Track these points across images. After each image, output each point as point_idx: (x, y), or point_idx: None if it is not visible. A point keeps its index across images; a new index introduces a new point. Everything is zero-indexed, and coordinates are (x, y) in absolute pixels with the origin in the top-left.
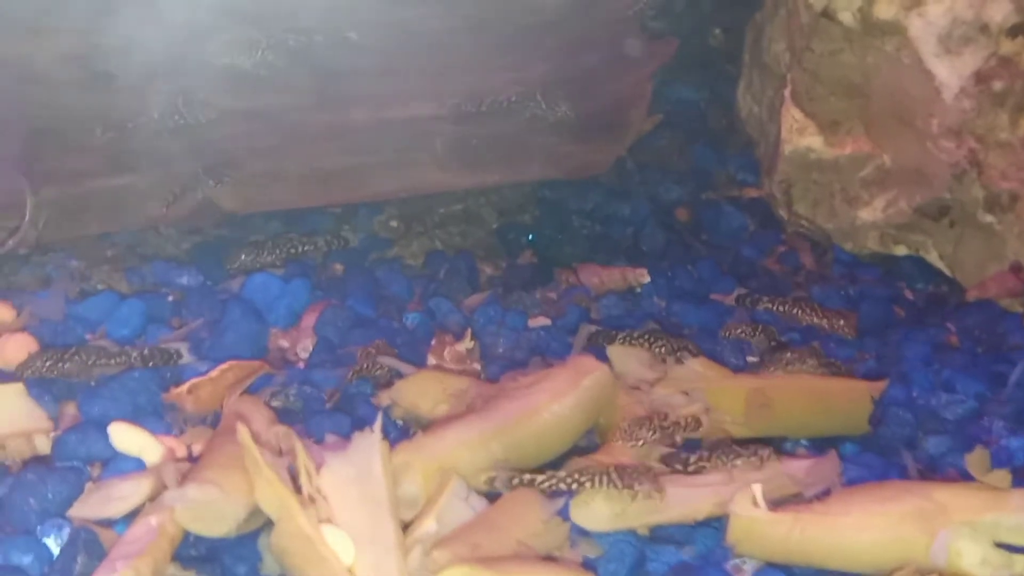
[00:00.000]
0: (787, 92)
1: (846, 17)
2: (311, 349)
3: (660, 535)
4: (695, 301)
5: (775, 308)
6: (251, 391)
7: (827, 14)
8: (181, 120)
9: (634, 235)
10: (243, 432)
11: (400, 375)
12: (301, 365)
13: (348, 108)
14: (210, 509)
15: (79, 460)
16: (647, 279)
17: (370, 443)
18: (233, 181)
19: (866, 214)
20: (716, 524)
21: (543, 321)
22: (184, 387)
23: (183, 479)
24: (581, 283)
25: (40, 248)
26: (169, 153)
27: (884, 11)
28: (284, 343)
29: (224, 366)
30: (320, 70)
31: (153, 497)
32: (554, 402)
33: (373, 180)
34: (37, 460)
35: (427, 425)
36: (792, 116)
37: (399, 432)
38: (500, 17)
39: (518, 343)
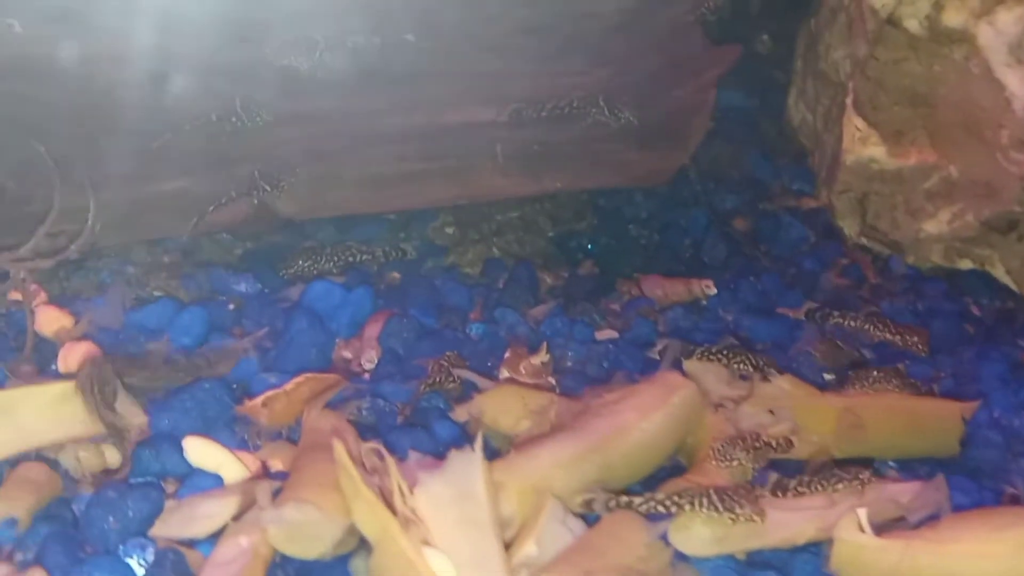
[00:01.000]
0: (849, 101)
1: (912, 25)
2: (376, 361)
3: (757, 560)
4: (762, 315)
5: (846, 323)
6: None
7: (893, 21)
8: (239, 123)
9: (694, 246)
10: (339, 449)
11: (474, 388)
12: (366, 377)
13: (406, 112)
14: (306, 529)
15: (153, 475)
16: (714, 291)
17: (470, 462)
18: (290, 186)
19: (930, 226)
20: (814, 549)
21: (610, 334)
22: (259, 400)
23: (277, 498)
24: (644, 294)
25: (94, 253)
26: (226, 156)
27: (952, 19)
28: (347, 354)
29: (299, 379)
30: (377, 73)
31: (238, 516)
32: (643, 420)
33: (432, 186)
34: (107, 474)
35: (516, 443)
36: (854, 125)
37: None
38: (559, 20)
39: (588, 356)
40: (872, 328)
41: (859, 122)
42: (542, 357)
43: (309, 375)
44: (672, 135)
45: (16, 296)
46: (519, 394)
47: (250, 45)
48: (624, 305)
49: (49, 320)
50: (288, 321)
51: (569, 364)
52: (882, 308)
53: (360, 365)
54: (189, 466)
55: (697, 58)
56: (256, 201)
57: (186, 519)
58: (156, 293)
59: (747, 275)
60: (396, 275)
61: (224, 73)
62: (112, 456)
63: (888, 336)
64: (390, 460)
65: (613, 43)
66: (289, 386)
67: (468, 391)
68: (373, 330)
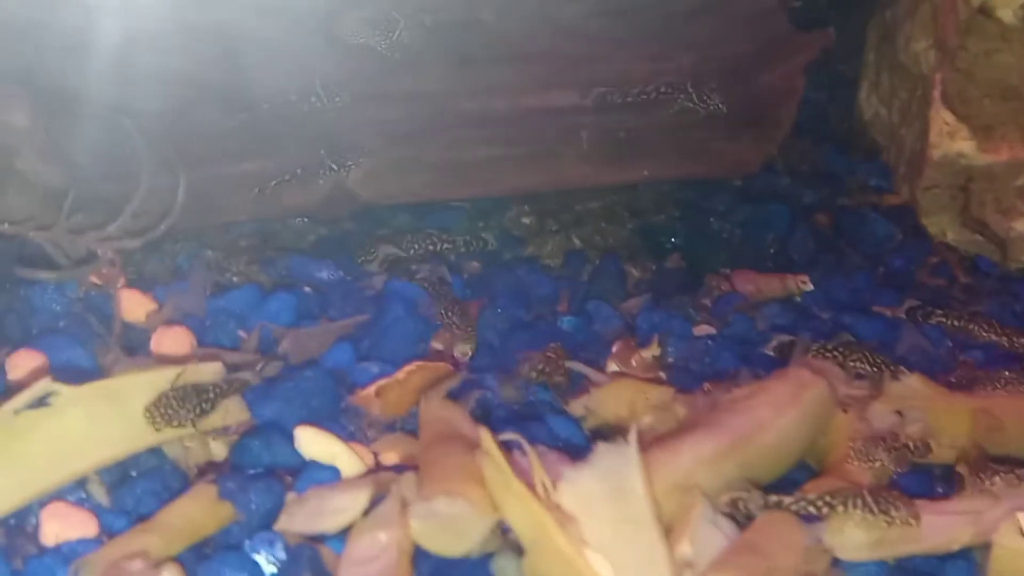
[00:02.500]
0: (936, 94)
1: (1006, 14)
2: (470, 353)
3: (908, 566)
4: (861, 313)
5: (949, 323)
6: None
7: (985, 11)
8: (317, 103)
9: (779, 241)
10: (488, 440)
11: (581, 382)
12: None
13: (486, 95)
14: (455, 525)
15: (262, 467)
16: (810, 287)
17: (623, 457)
18: (369, 170)
19: (1022, 225)
20: (966, 556)
21: (707, 329)
22: (371, 389)
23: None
24: (735, 290)
25: (168, 236)
26: (303, 138)
27: None
28: (438, 345)
29: (410, 367)
30: (456, 54)
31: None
32: (779, 417)
33: (514, 173)
34: (211, 466)
35: (646, 439)
36: (942, 119)
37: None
38: (641, 3)
39: (690, 352)
40: (977, 328)
41: (947, 116)
42: (653, 351)
43: (420, 364)
44: (760, 124)
45: (97, 279)
46: (639, 388)
47: (327, 23)
48: (715, 300)
49: (132, 304)
50: (382, 309)
51: (670, 360)
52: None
53: (454, 357)
54: (300, 458)
55: (784, 44)
56: (331, 184)
57: (314, 513)
58: (235, 279)
59: (837, 272)
60: (476, 265)
61: (303, 52)
62: (218, 448)
63: (994, 337)
64: (532, 453)
65: (697, 27)
66: (401, 375)
67: (575, 384)
68: None
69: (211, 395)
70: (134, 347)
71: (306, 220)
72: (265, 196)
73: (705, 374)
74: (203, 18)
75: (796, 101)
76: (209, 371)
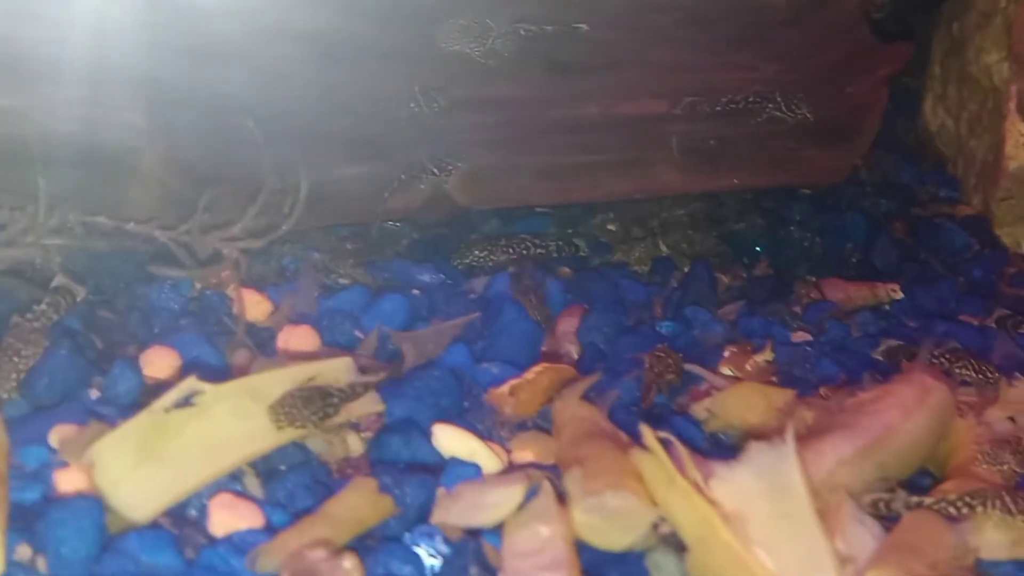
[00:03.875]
0: (1011, 106)
1: None
2: (576, 356)
3: None
4: (950, 322)
5: None
6: None
7: None
8: (416, 108)
9: (860, 249)
10: (650, 437)
11: (693, 384)
12: None
13: (579, 103)
14: (620, 519)
15: (401, 463)
16: (900, 295)
17: (780, 455)
18: (466, 175)
19: None
20: None
21: (804, 336)
22: (506, 388)
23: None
24: (825, 297)
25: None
26: (402, 142)
27: None
28: (542, 348)
29: (537, 368)
30: (550, 62)
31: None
32: (907, 420)
33: (608, 179)
34: (346, 461)
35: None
36: (1018, 131)
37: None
38: (728, 12)
39: (791, 358)
40: None
41: (1023, 127)
42: (767, 356)
43: (547, 365)
44: (845, 133)
45: (216, 278)
46: (762, 392)
47: (425, 30)
48: (805, 308)
49: (250, 303)
50: (497, 312)
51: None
52: None
53: (560, 360)
54: (438, 454)
55: (868, 55)
56: (431, 188)
57: (470, 507)
58: (342, 280)
59: (920, 281)
60: (567, 270)
61: (401, 58)
62: (354, 443)
63: None
64: (684, 450)
65: (783, 37)
66: (530, 375)
67: (686, 386)
68: (568, 324)
69: (335, 399)
70: (258, 345)
71: (398, 224)
72: (372, 200)
73: (810, 379)
74: (306, 24)
75: (879, 112)
76: (342, 370)
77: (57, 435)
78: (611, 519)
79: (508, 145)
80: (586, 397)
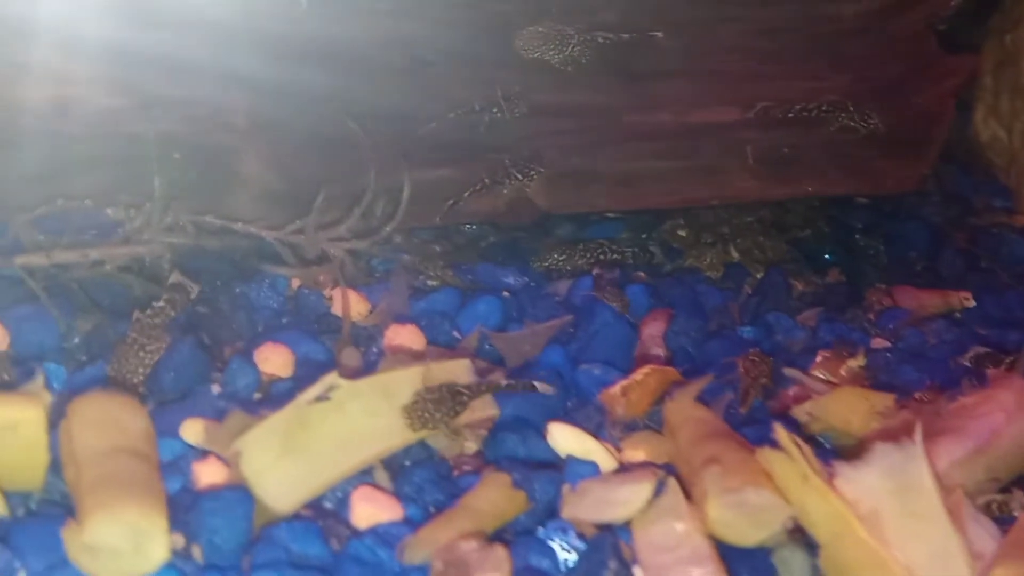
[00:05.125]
0: None
1: None
2: (663, 359)
3: None
4: (1021, 330)
5: None
6: None
7: None
8: (499, 114)
9: (925, 257)
10: (783, 436)
11: (785, 387)
12: None
13: (653, 110)
14: (755, 515)
15: (517, 460)
16: (972, 303)
17: (910, 455)
18: (547, 179)
19: None
20: None
21: (882, 343)
22: (617, 388)
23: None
24: (897, 305)
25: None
26: (485, 147)
27: None
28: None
29: (644, 369)
30: (626, 69)
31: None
32: (1011, 424)
33: (684, 186)
34: (464, 458)
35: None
36: None
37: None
38: (798, 23)
39: (874, 364)
40: None
41: None
42: (860, 361)
43: (653, 367)
44: (914, 143)
45: (320, 278)
46: (863, 395)
47: (506, 38)
48: (878, 315)
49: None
50: (589, 314)
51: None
52: None
53: (649, 362)
54: (553, 452)
55: (934, 66)
56: (514, 192)
57: (600, 503)
58: (430, 282)
59: (986, 290)
60: (642, 275)
61: (484, 64)
62: (469, 440)
63: None
64: (807, 449)
65: (852, 47)
66: (639, 376)
67: (775, 390)
68: (654, 328)
69: (464, 398)
70: (362, 343)
71: (473, 226)
72: (459, 203)
73: (895, 385)
74: (394, 30)
75: (947, 123)
76: (462, 370)
77: (190, 428)
78: (748, 515)
79: (586, 151)
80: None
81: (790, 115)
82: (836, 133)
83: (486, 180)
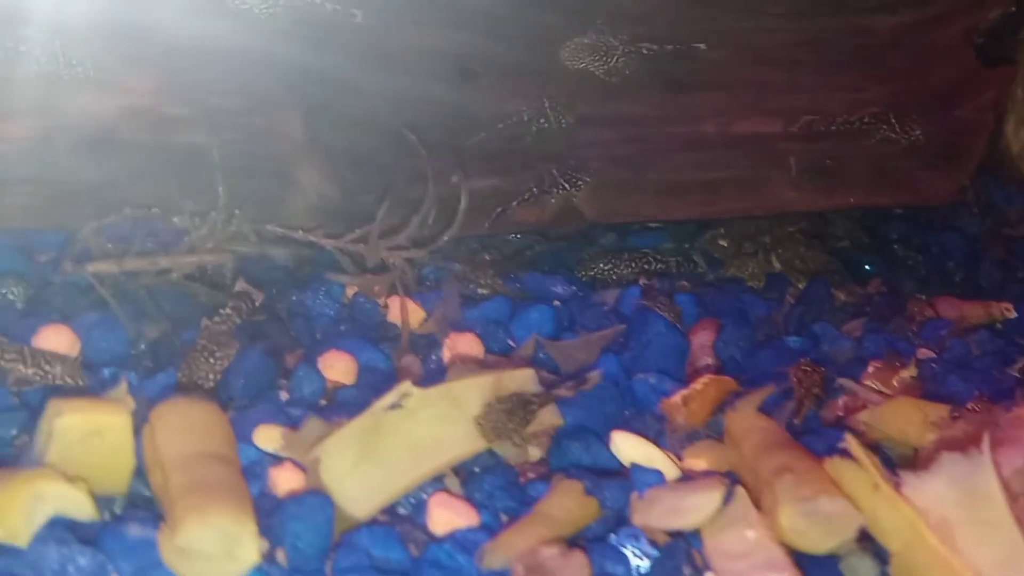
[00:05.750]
0: None
1: None
2: (713, 368)
3: None
4: None
5: None
6: None
7: None
8: (545, 123)
9: (963, 268)
10: (854, 445)
11: (832, 397)
12: None
13: (696, 121)
14: (827, 524)
15: (581, 467)
16: (1013, 314)
17: (978, 465)
18: (593, 189)
19: None
20: None
21: (927, 353)
22: (678, 397)
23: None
24: (939, 315)
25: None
26: (532, 157)
27: None
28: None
29: (704, 379)
30: (669, 81)
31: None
32: None
33: (727, 196)
34: (528, 465)
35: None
36: None
37: None
38: (837, 35)
39: (920, 375)
40: None
41: None
42: (911, 371)
43: (712, 377)
44: (954, 155)
45: (374, 287)
46: (918, 405)
47: (552, 49)
48: (920, 325)
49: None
50: (642, 324)
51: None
52: None
53: (697, 372)
54: (616, 460)
55: (972, 79)
56: (561, 202)
57: (670, 510)
58: (480, 291)
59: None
60: (686, 284)
61: (531, 75)
62: (533, 448)
63: None
64: (874, 459)
65: (892, 60)
66: (698, 386)
67: (825, 400)
68: (703, 338)
69: (533, 407)
70: (420, 350)
71: (518, 236)
72: (506, 212)
73: (942, 395)
74: (444, 42)
75: (986, 134)
76: (527, 379)
77: (263, 434)
78: (821, 523)
79: (631, 161)
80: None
81: (832, 127)
82: (877, 145)
83: (534, 189)
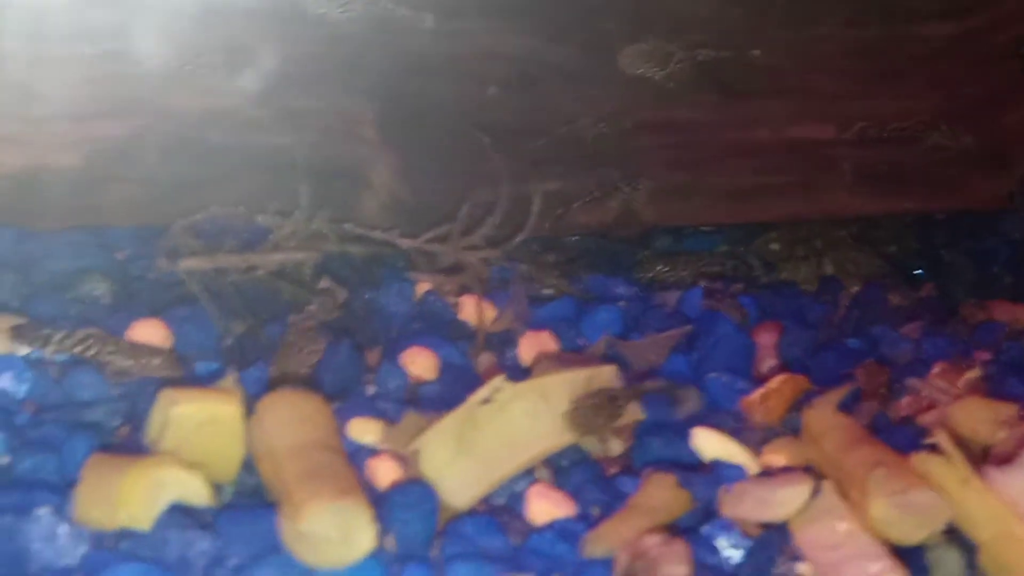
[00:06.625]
0: None
1: None
2: (778, 369)
3: None
4: None
5: None
6: None
7: None
8: (605, 128)
9: (1010, 271)
10: (945, 440)
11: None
12: None
13: (751, 126)
14: (919, 516)
15: (664, 462)
16: None
17: None
18: (652, 192)
19: None
20: None
21: (984, 355)
22: (757, 395)
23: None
24: (993, 318)
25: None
26: (593, 160)
27: None
28: None
29: (780, 378)
30: (724, 87)
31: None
32: None
33: (785, 200)
34: (609, 460)
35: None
36: None
37: None
38: (889, 43)
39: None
40: None
41: None
42: (976, 372)
43: (787, 376)
44: (1003, 161)
45: (445, 285)
46: (989, 405)
47: (611, 54)
48: (973, 328)
49: (471, 310)
50: (709, 325)
51: None
52: None
53: (760, 373)
54: (695, 455)
55: (1021, 87)
56: (614, 203)
57: (760, 503)
58: (546, 291)
59: None
60: (741, 287)
61: (591, 80)
62: (614, 444)
63: None
64: (960, 453)
65: (942, 67)
66: (774, 384)
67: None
68: (765, 339)
69: (620, 403)
70: (494, 348)
71: (574, 238)
72: (568, 214)
73: (1001, 396)
74: (508, 46)
75: None
76: (611, 375)
77: (357, 427)
78: (912, 515)
79: (688, 165)
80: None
81: (885, 134)
82: (929, 151)
83: (596, 192)
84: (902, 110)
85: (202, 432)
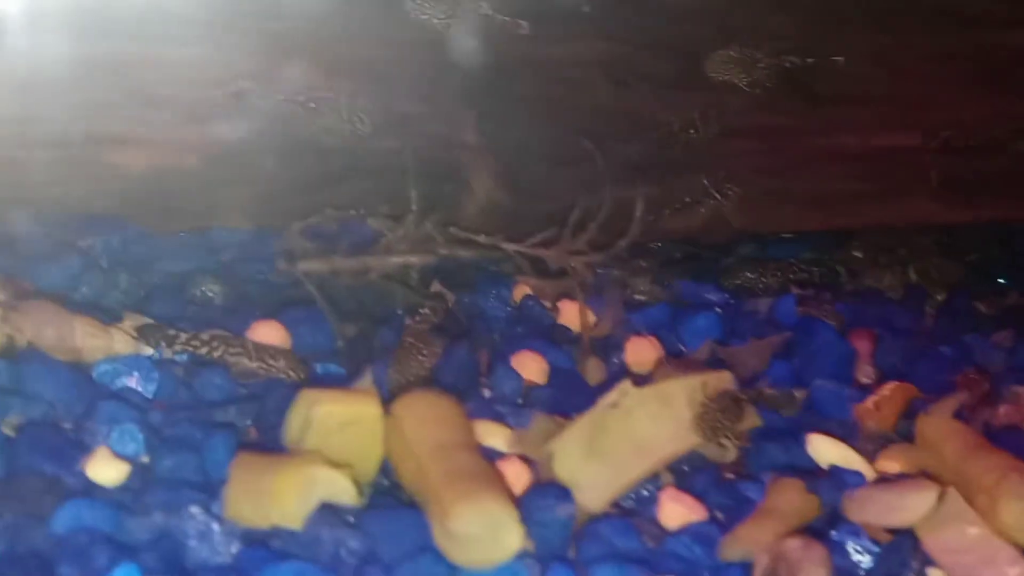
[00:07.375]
0: None
1: None
2: (873, 377)
3: None
4: None
5: None
6: None
7: None
8: (695, 134)
9: None
10: None
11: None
12: None
13: (838, 133)
14: None
15: (779, 468)
16: None
17: None
18: (741, 199)
19: None
20: None
21: None
22: (870, 402)
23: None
24: None
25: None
26: (683, 166)
27: None
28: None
29: (891, 385)
30: (810, 93)
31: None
32: None
33: (871, 207)
34: (726, 465)
35: None
36: None
37: None
38: (973, 51)
39: None
40: None
41: None
42: None
43: (897, 384)
44: None
45: (544, 289)
46: None
47: (699, 60)
48: None
49: (577, 315)
50: (808, 332)
51: None
52: None
53: (858, 381)
54: (811, 461)
55: None
56: (703, 209)
57: (887, 508)
58: (638, 296)
59: None
60: (828, 294)
61: (681, 86)
62: (730, 449)
63: None
64: None
65: (1012, 75)
66: (886, 392)
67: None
68: (861, 346)
69: (743, 406)
70: (599, 353)
71: (660, 244)
72: (658, 220)
73: None
74: (597, 52)
75: None
76: (727, 380)
77: (482, 429)
78: None
79: (775, 172)
80: None
81: (970, 142)
82: (1014, 159)
83: (686, 199)
84: (987, 118)
85: (344, 432)
